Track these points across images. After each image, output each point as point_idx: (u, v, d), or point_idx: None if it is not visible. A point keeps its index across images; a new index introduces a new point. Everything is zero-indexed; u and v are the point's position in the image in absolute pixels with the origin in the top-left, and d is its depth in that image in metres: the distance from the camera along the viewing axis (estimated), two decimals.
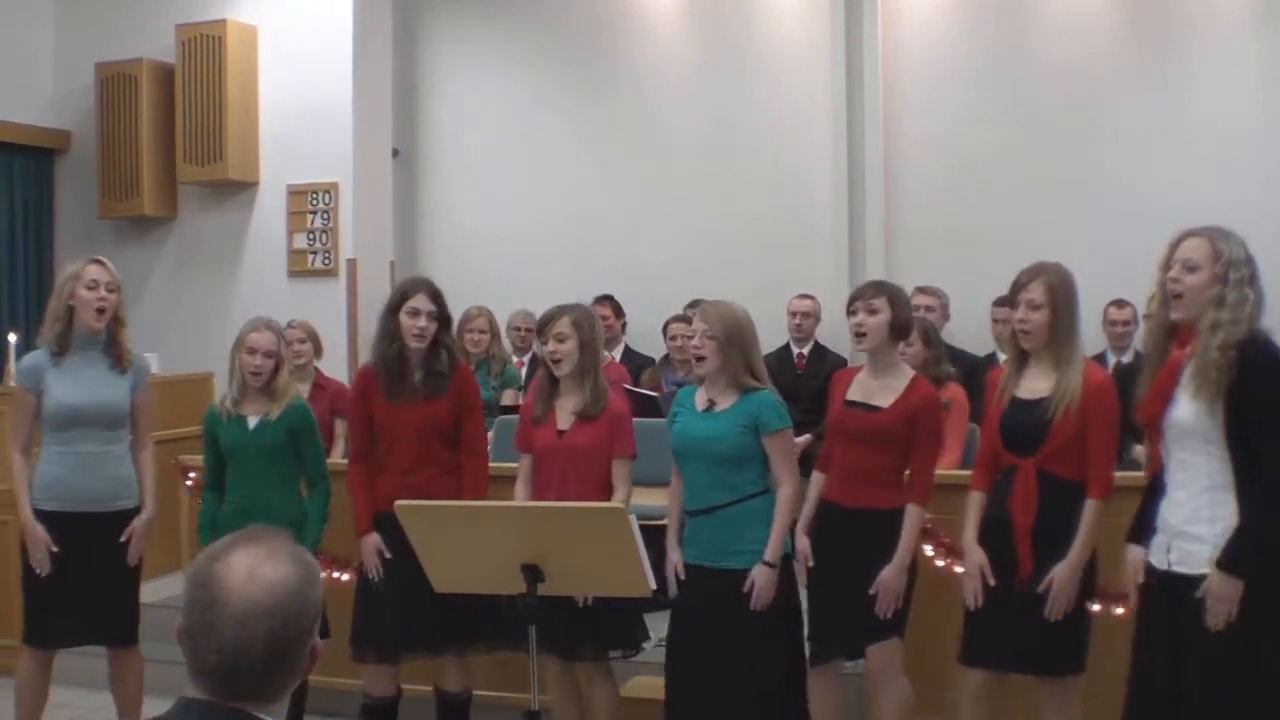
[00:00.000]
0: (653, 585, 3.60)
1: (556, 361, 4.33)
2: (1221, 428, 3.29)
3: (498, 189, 8.87)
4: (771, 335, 6.71)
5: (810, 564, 4.22)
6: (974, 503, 4.02)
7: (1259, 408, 3.26)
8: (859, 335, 4.20)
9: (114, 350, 4.57)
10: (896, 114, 8.09)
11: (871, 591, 4.05)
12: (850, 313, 4.22)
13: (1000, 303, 6.38)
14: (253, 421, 4.64)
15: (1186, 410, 3.34)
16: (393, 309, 4.50)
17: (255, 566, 1.72)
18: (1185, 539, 3.37)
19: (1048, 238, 7.49)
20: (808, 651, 4.23)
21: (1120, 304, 6.88)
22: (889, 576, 4.05)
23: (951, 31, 8.03)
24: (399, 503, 3.81)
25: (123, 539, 4.53)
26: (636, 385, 6.95)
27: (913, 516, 4.10)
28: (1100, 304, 6.90)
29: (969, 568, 3.95)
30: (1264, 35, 7.45)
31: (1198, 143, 7.47)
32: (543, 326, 4.38)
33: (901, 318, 4.20)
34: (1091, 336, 6.53)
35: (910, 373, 4.28)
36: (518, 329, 7.57)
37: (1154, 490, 3.54)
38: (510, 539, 3.59)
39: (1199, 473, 3.36)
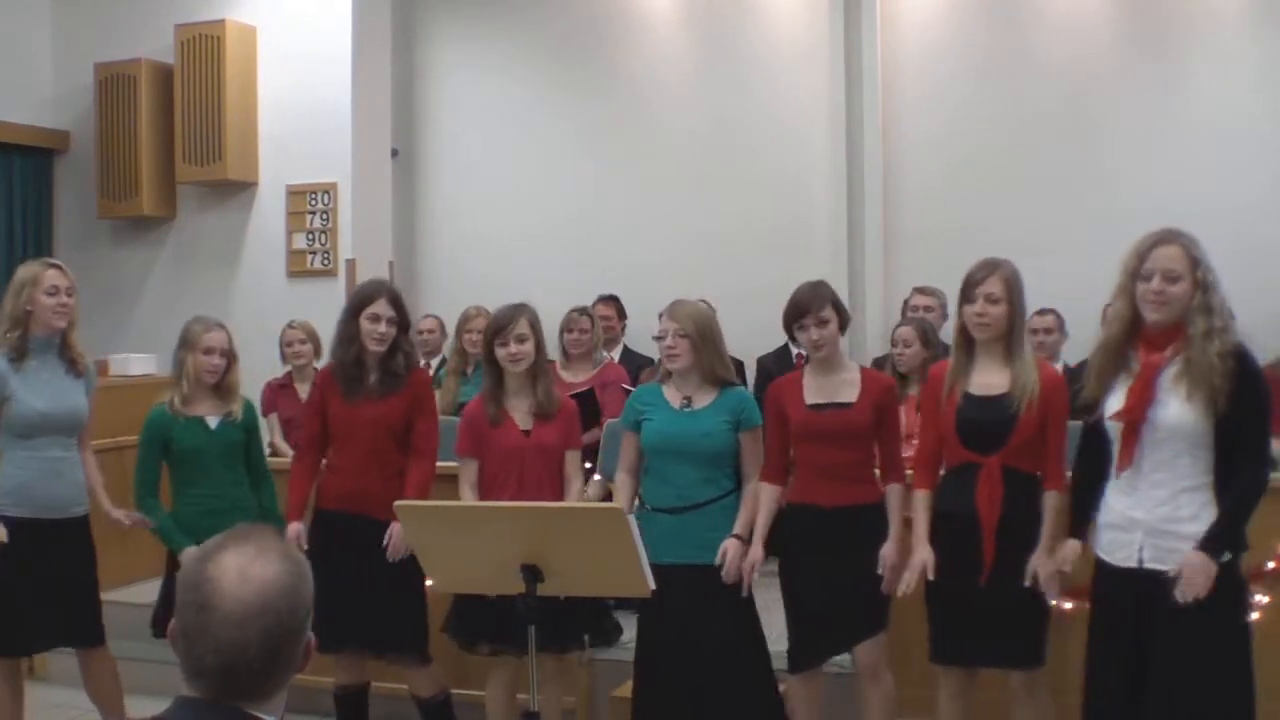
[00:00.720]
0: (652, 586, 3.60)
1: (516, 361, 4.36)
2: (1211, 431, 3.38)
3: (496, 189, 8.87)
4: (771, 335, 6.71)
5: (757, 575, 4.18)
6: (922, 502, 4.02)
7: (1247, 412, 3.37)
8: (818, 348, 4.19)
9: (67, 354, 4.56)
10: (895, 114, 8.10)
11: (879, 571, 4.07)
12: (800, 328, 4.19)
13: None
14: (213, 421, 4.63)
15: (1179, 413, 3.39)
16: (353, 312, 4.52)
17: (246, 566, 1.72)
18: (1164, 537, 3.42)
19: (1045, 237, 7.52)
20: (789, 657, 4.24)
21: (1043, 312, 6.76)
22: (891, 552, 4.08)
23: (950, 31, 8.04)
24: (398, 503, 3.80)
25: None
26: (636, 385, 6.94)
27: (896, 495, 4.14)
28: (1097, 304, 6.87)
29: (914, 561, 3.95)
30: (1262, 35, 7.45)
31: (1196, 142, 7.48)
32: (501, 328, 4.39)
33: (844, 316, 4.26)
34: (1088, 337, 6.52)
35: (854, 364, 4.36)
36: None
37: (1090, 488, 3.61)
38: (509, 539, 3.58)
39: (1180, 473, 3.42)
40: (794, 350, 7.41)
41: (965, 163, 7.95)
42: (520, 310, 4.41)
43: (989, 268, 3.95)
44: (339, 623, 4.32)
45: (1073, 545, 3.69)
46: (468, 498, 4.41)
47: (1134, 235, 3.58)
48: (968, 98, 7.99)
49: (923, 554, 3.93)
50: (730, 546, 4.12)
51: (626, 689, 4.92)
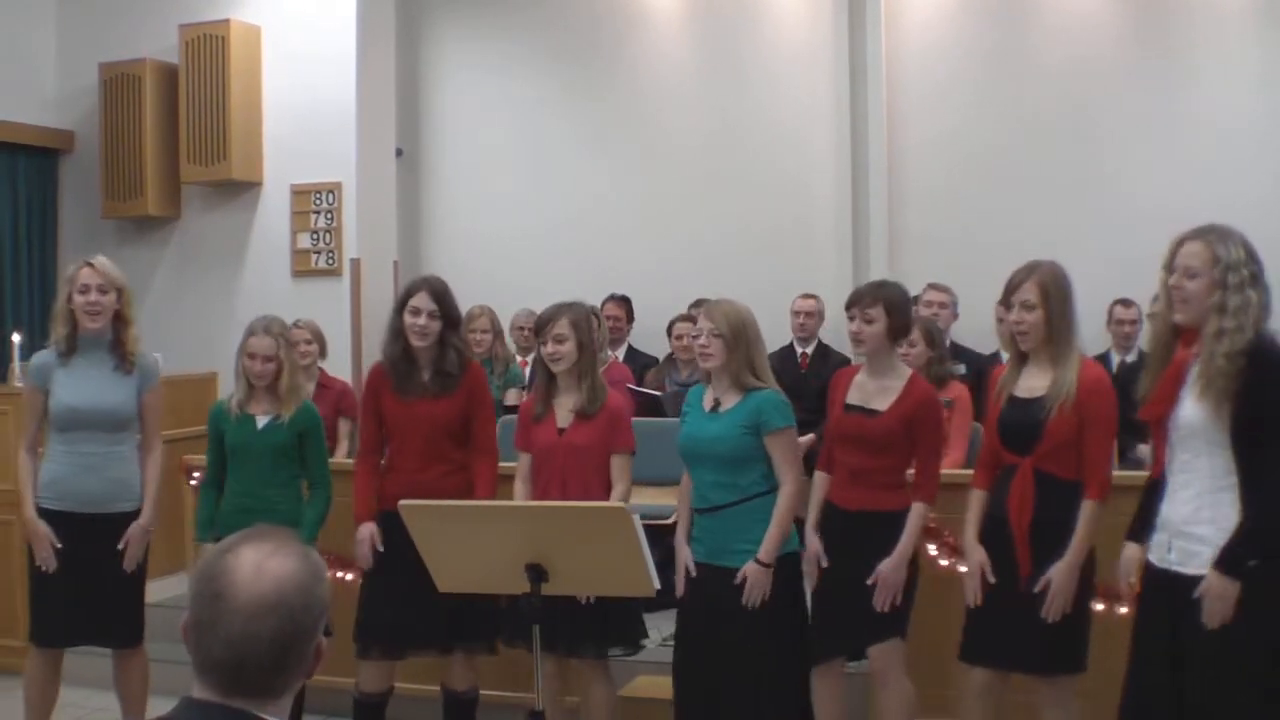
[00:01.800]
0: (657, 585, 3.60)
1: (555, 361, 4.36)
2: (1227, 430, 3.32)
3: (501, 189, 8.87)
4: (775, 335, 6.71)
5: (823, 564, 4.19)
6: (975, 501, 4.02)
7: (1265, 411, 3.29)
8: (857, 342, 4.23)
9: (118, 350, 4.57)
10: (899, 114, 8.09)
11: (870, 582, 4.05)
12: (849, 317, 4.23)
13: (1001, 300, 6.37)
14: (262, 421, 4.65)
15: (1192, 412, 3.36)
16: (399, 307, 4.54)
17: (263, 561, 1.73)
18: (1186, 539, 3.39)
19: (1050, 236, 7.47)
20: (809, 649, 4.23)
21: (1126, 303, 6.86)
22: (887, 570, 4.05)
23: (954, 31, 8.03)
24: (402, 503, 3.81)
25: (120, 545, 4.52)
26: (640, 385, 6.95)
27: (917, 514, 4.10)
28: (1102, 303, 6.90)
29: (970, 566, 3.95)
30: (1264, 35, 7.44)
31: (1200, 141, 7.47)
32: (541, 326, 4.39)
33: (898, 323, 4.19)
34: (1094, 335, 6.54)
35: (908, 372, 4.27)
36: (521, 329, 7.57)
37: (1154, 489, 3.55)
38: (514, 538, 3.59)
39: (1202, 474, 3.38)
40: (798, 350, 7.43)
41: (969, 163, 7.94)
42: (562, 309, 4.39)
43: (1025, 272, 3.92)
44: (418, 627, 4.36)
45: (1130, 552, 3.58)
46: (520, 491, 4.43)
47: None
48: (971, 98, 7.98)
49: (976, 556, 3.92)
50: (750, 574, 4.04)
51: (635, 688, 4.95)
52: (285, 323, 4.82)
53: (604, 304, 7.61)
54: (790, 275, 7.92)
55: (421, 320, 4.45)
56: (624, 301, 7.94)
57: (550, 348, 4.35)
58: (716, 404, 4.18)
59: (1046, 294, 3.86)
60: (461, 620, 4.36)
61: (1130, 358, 6.75)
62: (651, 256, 8.36)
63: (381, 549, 4.42)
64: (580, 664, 4.36)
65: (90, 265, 4.53)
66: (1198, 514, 3.37)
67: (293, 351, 4.75)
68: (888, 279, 4.35)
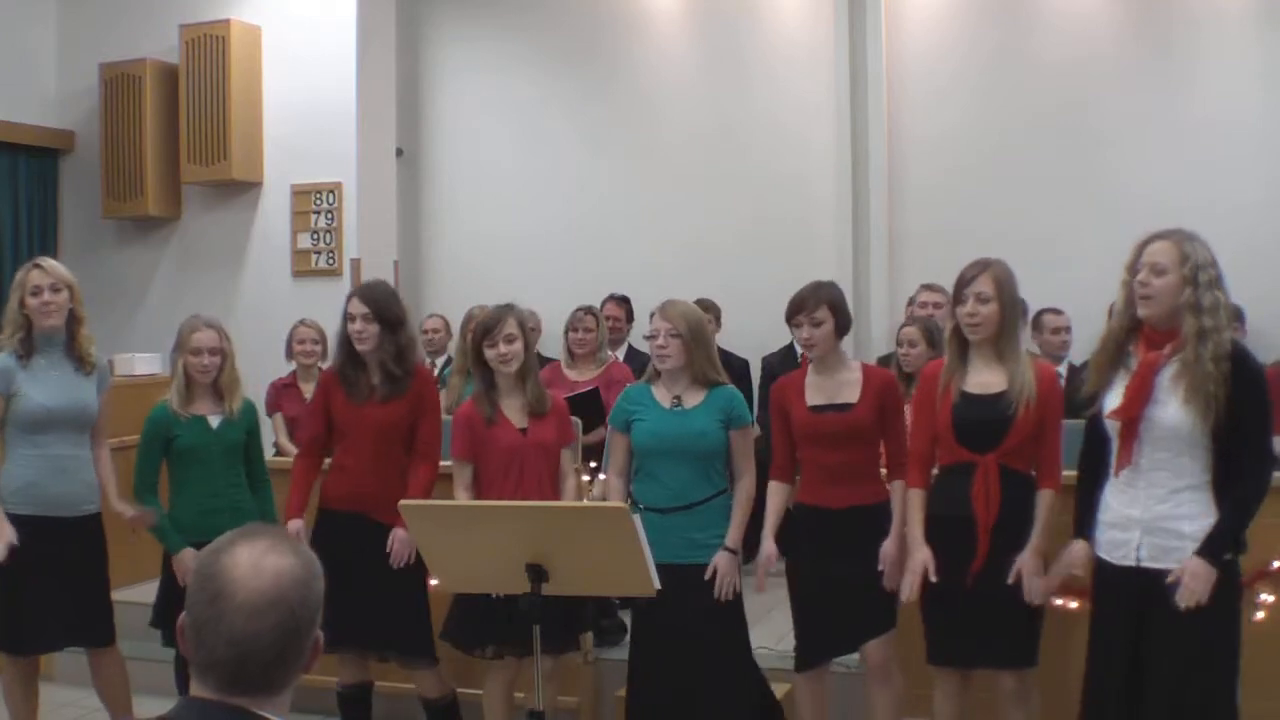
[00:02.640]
0: (657, 585, 3.60)
1: (507, 361, 4.37)
2: (1209, 431, 3.38)
3: (501, 189, 8.87)
4: (776, 334, 6.71)
5: (771, 571, 4.19)
6: (916, 500, 3.99)
7: (1245, 414, 3.37)
8: (809, 347, 4.22)
9: (76, 351, 4.56)
10: (899, 113, 8.09)
11: (880, 568, 4.07)
12: (794, 325, 4.21)
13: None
14: (214, 420, 4.63)
15: (1176, 414, 3.40)
16: (343, 316, 4.58)
17: (260, 558, 1.73)
18: (1161, 535, 3.42)
19: (1050, 237, 7.53)
20: (795, 657, 4.26)
21: (1057, 311, 6.77)
22: (891, 549, 4.07)
23: (954, 31, 8.03)
24: (403, 503, 3.80)
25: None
26: None
27: (900, 491, 4.11)
28: (1102, 303, 6.86)
29: (913, 564, 3.93)
30: (1265, 35, 7.44)
31: (1201, 142, 7.47)
32: (490, 329, 4.39)
33: (843, 320, 4.23)
34: (1094, 335, 6.51)
35: (856, 363, 4.34)
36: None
37: (1093, 486, 3.60)
38: (514, 539, 3.58)
39: (1179, 472, 3.43)
40: (799, 350, 7.42)
41: (969, 162, 7.94)
42: (507, 310, 4.42)
43: (979, 267, 3.94)
44: (342, 623, 4.32)
45: (1080, 546, 3.66)
46: (463, 500, 4.40)
47: (1137, 234, 3.59)
48: (971, 97, 7.98)
49: (921, 555, 3.91)
50: (721, 562, 4.12)
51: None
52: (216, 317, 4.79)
53: (604, 304, 7.60)
54: (790, 275, 7.81)
55: (356, 325, 4.50)
56: (624, 301, 7.93)
57: (503, 349, 4.36)
58: (678, 400, 4.22)
59: (1001, 287, 3.89)
60: (395, 626, 4.42)
61: (1061, 368, 6.65)
62: (651, 256, 8.36)
63: (305, 544, 4.37)
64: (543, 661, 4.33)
65: (39, 266, 4.52)
66: (1176, 511, 3.41)
67: (230, 345, 4.71)
68: (821, 280, 4.33)
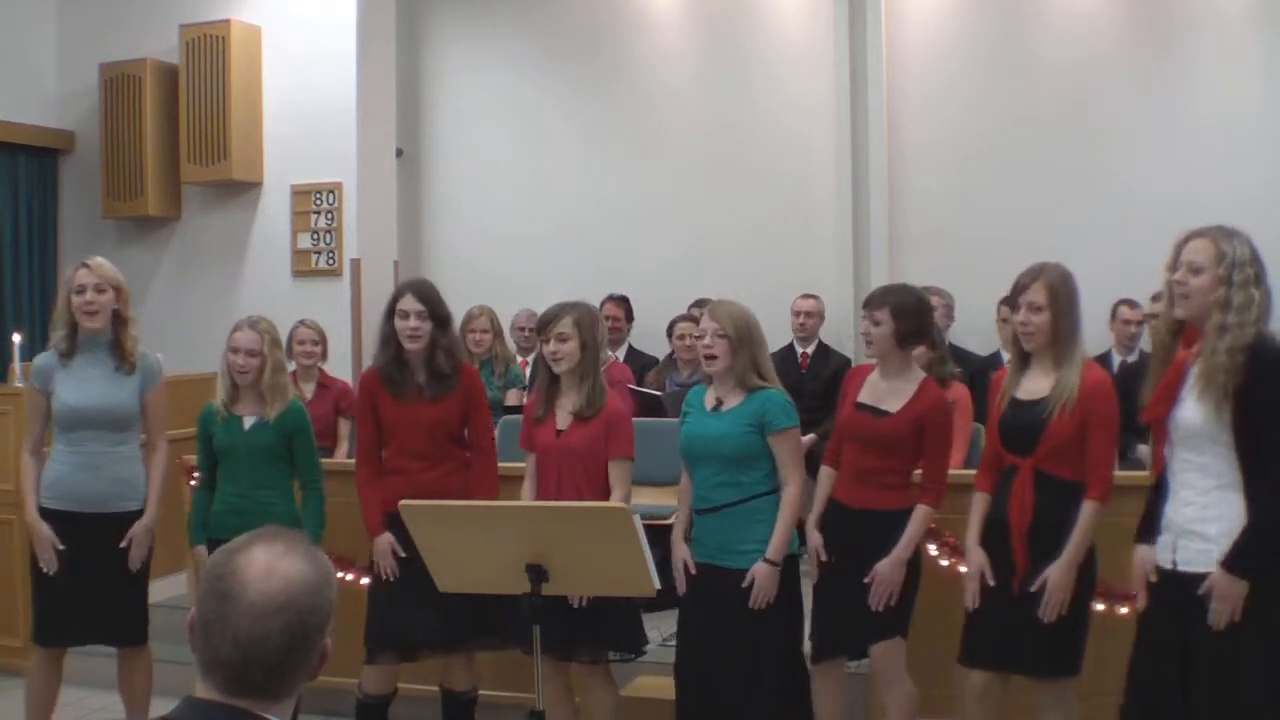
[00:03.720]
0: (657, 585, 3.60)
1: (556, 360, 4.32)
2: (1229, 429, 3.31)
3: (501, 189, 8.88)
4: (775, 335, 6.69)
5: (822, 559, 4.21)
6: (978, 503, 4.02)
7: (1266, 410, 3.28)
8: (867, 344, 4.25)
9: (118, 350, 4.57)
10: (900, 114, 8.09)
11: (866, 581, 4.05)
12: (863, 318, 4.26)
13: (1007, 302, 6.38)
14: (248, 422, 4.63)
15: (1193, 411, 3.35)
16: (388, 313, 4.51)
17: (273, 561, 1.73)
18: (1191, 538, 3.38)
19: (1051, 238, 7.49)
20: (808, 649, 4.24)
21: (1131, 304, 6.87)
22: (885, 569, 4.05)
23: (954, 32, 8.03)
24: (403, 503, 3.81)
25: (123, 544, 4.52)
26: (640, 385, 6.95)
27: (920, 515, 4.10)
28: (1103, 303, 6.89)
29: (969, 568, 3.95)
30: (1266, 35, 7.44)
31: (1200, 142, 7.47)
32: (544, 325, 4.36)
33: (906, 328, 4.18)
34: (1096, 336, 6.53)
35: (920, 376, 4.27)
36: (521, 329, 7.57)
37: (1159, 491, 3.54)
38: (514, 539, 3.58)
39: (1206, 473, 3.37)
40: (799, 350, 7.43)
41: (970, 163, 7.94)
42: (566, 308, 4.35)
43: (1032, 274, 3.91)
44: (432, 627, 4.33)
45: (1141, 551, 3.54)
46: (528, 490, 4.41)
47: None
48: (972, 98, 7.98)
49: (976, 559, 3.91)
50: (757, 574, 4.03)
51: (635, 688, 4.94)
52: (273, 324, 4.78)
53: (604, 304, 7.61)
54: (790, 275, 7.92)
55: (411, 322, 4.43)
56: (623, 301, 7.94)
57: (553, 346, 4.31)
58: (719, 403, 4.17)
59: (1054, 296, 3.86)
60: (472, 620, 4.35)
61: (1131, 358, 6.75)
62: (651, 256, 8.36)
63: (404, 555, 4.37)
64: (579, 668, 4.35)
65: (86, 266, 4.53)
66: (1202, 513, 3.36)
67: (277, 351, 4.71)
68: (906, 284, 4.34)
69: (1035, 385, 3.90)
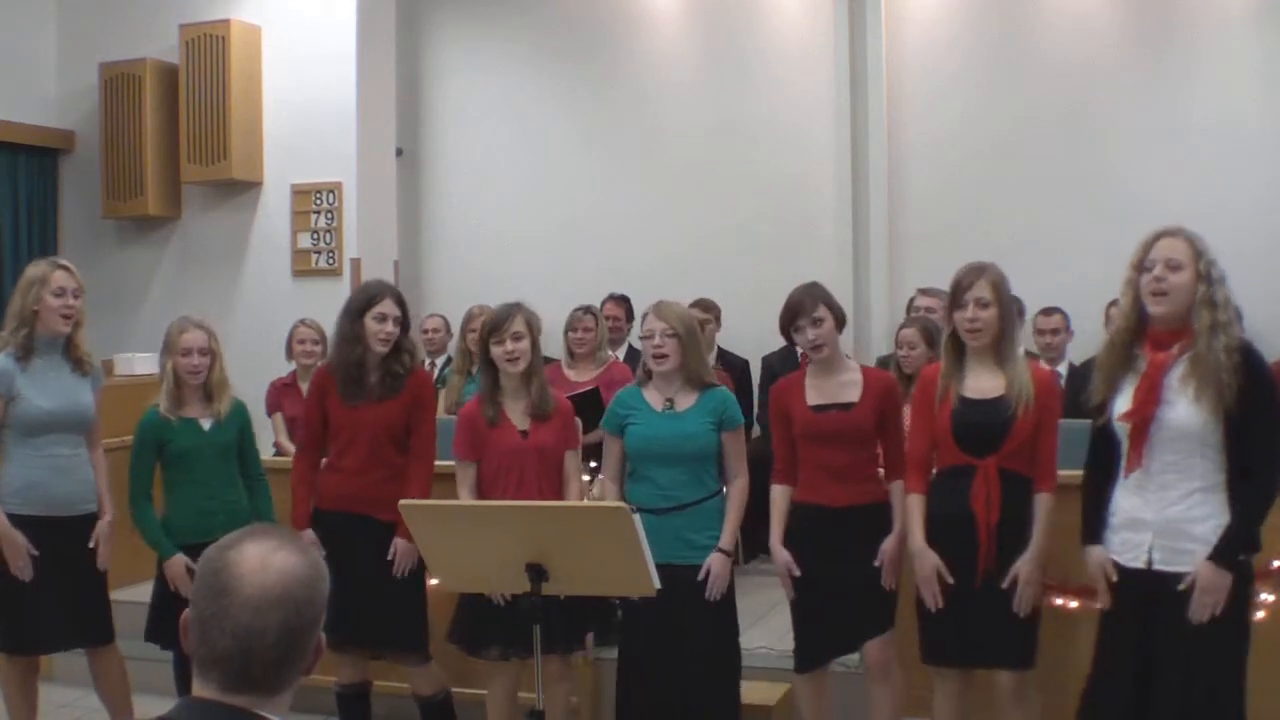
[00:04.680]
0: (657, 585, 3.60)
1: (514, 360, 4.32)
2: (1221, 431, 3.34)
3: (501, 188, 8.87)
4: (775, 335, 6.69)
5: (795, 574, 4.19)
6: (916, 505, 4.00)
7: (1255, 412, 3.33)
8: (817, 348, 4.20)
9: (73, 353, 4.54)
10: (900, 114, 8.09)
11: (876, 564, 4.08)
12: (796, 329, 4.21)
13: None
14: (206, 423, 4.62)
15: (1186, 413, 3.36)
16: (358, 312, 4.48)
17: (267, 556, 1.74)
18: (1174, 538, 3.40)
19: (1050, 237, 7.53)
20: (795, 657, 4.26)
21: (1049, 312, 6.84)
22: (891, 547, 4.09)
23: (954, 31, 8.03)
24: (403, 502, 3.80)
25: (91, 544, 4.51)
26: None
27: (900, 491, 4.12)
28: (1102, 303, 6.89)
29: (924, 571, 3.93)
30: (1265, 35, 7.44)
31: (1201, 142, 7.46)
32: (497, 326, 4.34)
33: (839, 314, 4.26)
34: (1093, 335, 6.53)
35: (855, 364, 4.35)
36: None
37: (1101, 489, 3.57)
38: (514, 538, 3.58)
39: (1191, 474, 3.40)
40: (798, 350, 7.42)
41: (970, 162, 7.94)
42: (516, 309, 4.37)
43: (976, 272, 3.95)
44: (340, 622, 4.31)
45: (1096, 553, 3.57)
46: (465, 500, 4.39)
47: (1137, 235, 3.56)
48: (972, 98, 7.98)
49: (931, 560, 3.91)
50: (714, 563, 4.13)
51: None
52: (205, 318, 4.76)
53: (604, 303, 7.60)
54: (790, 274, 7.78)
55: (389, 327, 4.46)
56: (624, 301, 7.93)
57: (509, 346, 4.31)
58: (670, 403, 4.21)
59: (999, 292, 3.91)
60: (391, 624, 4.43)
61: (1060, 368, 6.70)
62: (651, 256, 8.36)
63: (324, 553, 4.37)
64: (551, 661, 4.30)
65: (65, 268, 4.48)
66: (1188, 513, 3.38)
67: (218, 345, 4.69)
68: (805, 281, 4.34)
69: (984, 384, 3.91)
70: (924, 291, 7.03)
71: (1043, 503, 3.86)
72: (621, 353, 7.70)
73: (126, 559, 4.79)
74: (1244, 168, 7.31)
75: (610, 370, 6.38)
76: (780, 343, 7.22)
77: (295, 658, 1.75)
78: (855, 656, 4.35)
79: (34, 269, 4.51)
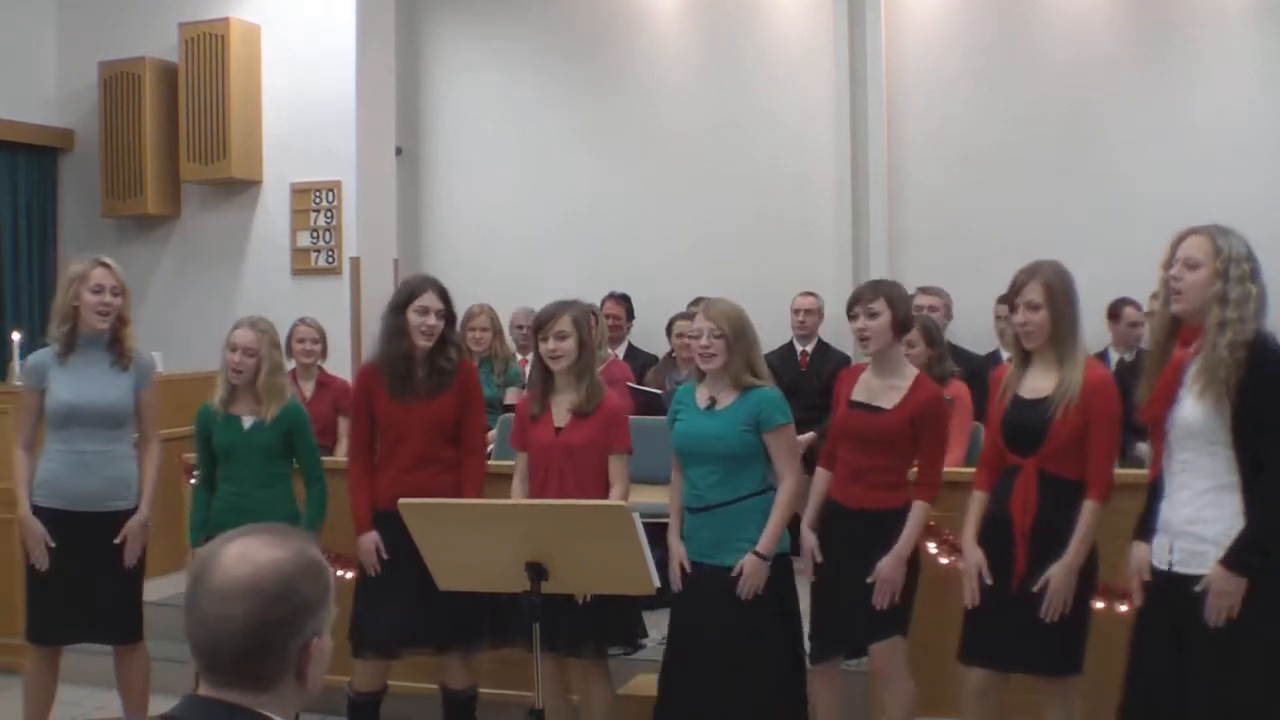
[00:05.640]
0: (657, 583, 3.60)
1: (555, 359, 4.34)
2: (1227, 428, 3.31)
3: (501, 187, 8.88)
4: (775, 333, 6.72)
5: (817, 559, 4.22)
6: (975, 502, 4.01)
7: (1265, 408, 3.27)
8: (863, 340, 4.20)
9: (116, 348, 4.57)
10: (899, 112, 8.10)
11: (869, 580, 4.05)
12: (851, 317, 4.21)
13: (1004, 300, 6.38)
14: (248, 421, 4.64)
15: (1192, 411, 3.35)
16: (400, 306, 4.48)
17: (249, 549, 1.76)
18: (1188, 539, 3.38)
19: (1050, 236, 7.49)
20: (808, 649, 4.24)
21: (1134, 304, 6.88)
22: (887, 566, 4.05)
23: (954, 30, 8.03)
24: (402, 501, 3.81)
25: (117, 540, 4.52)
26: (640, 383, 6.95)
27: (918, 512, 4.09)
28: (1103, 301, 6.90)
29: (967, 567, 3.95)
30: (1266, 33, 7.44)
31: (1200, 140, 7.47)
32: (542, 323, 4.37)
33: (901, 315, 4.18)
34: (1094, 334, 6.53)
35: (913, 372, 4.27)
36: (520, 327, 7.57)
37: (1156, 490, 3.54)
38: (514, 537, 3.59)
39: (1202, 473, 3.37)
40: (799, 349, 7.43)
41: (970, 162, 7.94)
42: (564, 307, 4.37)
43: (1028, 273, 3.90)
44: (417, 626, 4.36)
45: (1139, 549, 3.54)
46: (518, 490, 4.42)
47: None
48: (972, 97, 7.98)
49: (974, 557, 3.90)
50: (746, 565, 4.05)
51: (635, 686, 4.95)
52: (274, 325, 4.79)
53: (604, 302, 7.61)
54: (790, 273, 7.92)
55: (431, 320, 4.44)
56: (624, 299, 7.94)
57: (551, 345, 4.32)
58: (713, 402, 4.17)
59: (1051, 293, 3.85)
60: (460, 619, 4.36)
61: (1129, 356, 6.75)
62: (651, 254, 8.36)
63: (386, 556, 4.40)
64: (579, 664, 4.35)
65: (105, 266, 4.53)
66: (1200, 514, 3.36)
67: (276, 352, 4.71)
68: (884, 278, 4.35)
69: (1039, 383, 3.89)
70: (924, 290, 7.05)
71: (1086, 509, 3.77)
72: (621, 351, 7.71)
73: (160, 557, 4.80)
74: (1244, 167, 7.32)
75: (610, 369, 6.38)
76: (780, 341, 7.26)
77: (269, 653, 1.74)
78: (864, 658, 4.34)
79: (76, 265, 4.57)
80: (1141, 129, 7.62)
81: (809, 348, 7.44)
